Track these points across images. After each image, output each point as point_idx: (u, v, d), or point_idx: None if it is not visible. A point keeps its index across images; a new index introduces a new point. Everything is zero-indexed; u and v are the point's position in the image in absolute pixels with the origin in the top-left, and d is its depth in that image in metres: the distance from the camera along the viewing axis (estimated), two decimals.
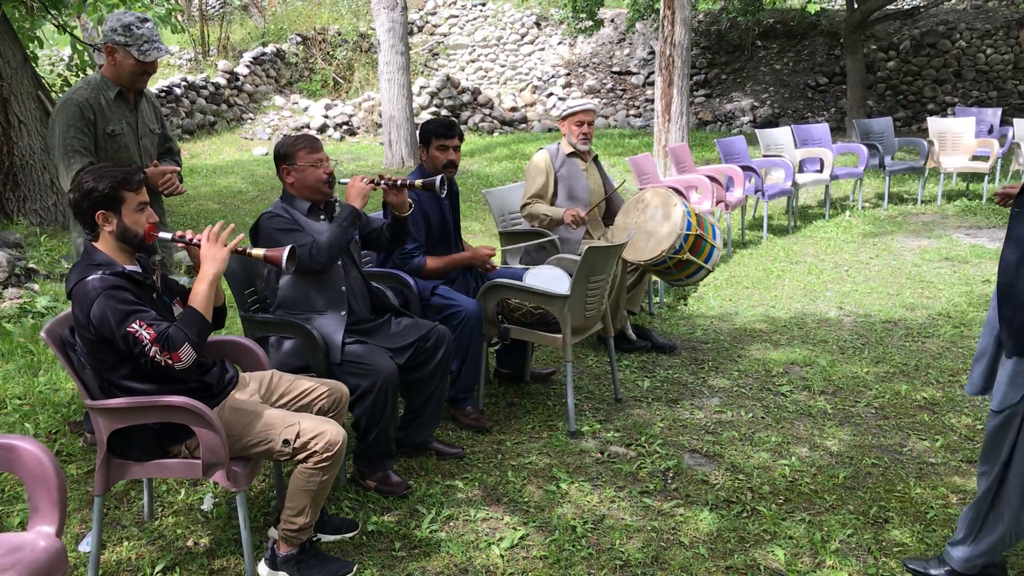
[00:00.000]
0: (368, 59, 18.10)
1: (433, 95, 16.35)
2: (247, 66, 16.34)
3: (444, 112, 16.34)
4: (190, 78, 14.88)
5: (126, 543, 3.20)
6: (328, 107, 15.98)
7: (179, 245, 2.94)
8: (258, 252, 2.95)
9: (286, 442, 2.83)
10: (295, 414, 2.93)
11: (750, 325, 5.98)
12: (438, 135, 4.31)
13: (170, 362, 2.65)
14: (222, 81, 15.47)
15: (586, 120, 5.23)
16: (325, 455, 2.84)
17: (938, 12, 18.29)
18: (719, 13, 18.85)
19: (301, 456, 2.85)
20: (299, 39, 17.95)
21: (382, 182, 3.72)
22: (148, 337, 2.63)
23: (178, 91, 14.47)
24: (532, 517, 3.43)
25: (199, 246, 2.87)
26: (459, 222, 4.56)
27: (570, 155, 5.26)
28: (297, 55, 17.68)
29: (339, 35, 18.39)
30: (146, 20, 3.63)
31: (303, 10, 19.66)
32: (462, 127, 16.28)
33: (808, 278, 7.24)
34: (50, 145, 3.66)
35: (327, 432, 2.86)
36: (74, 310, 2.73)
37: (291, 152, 3.56)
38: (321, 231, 3.54)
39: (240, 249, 2.93)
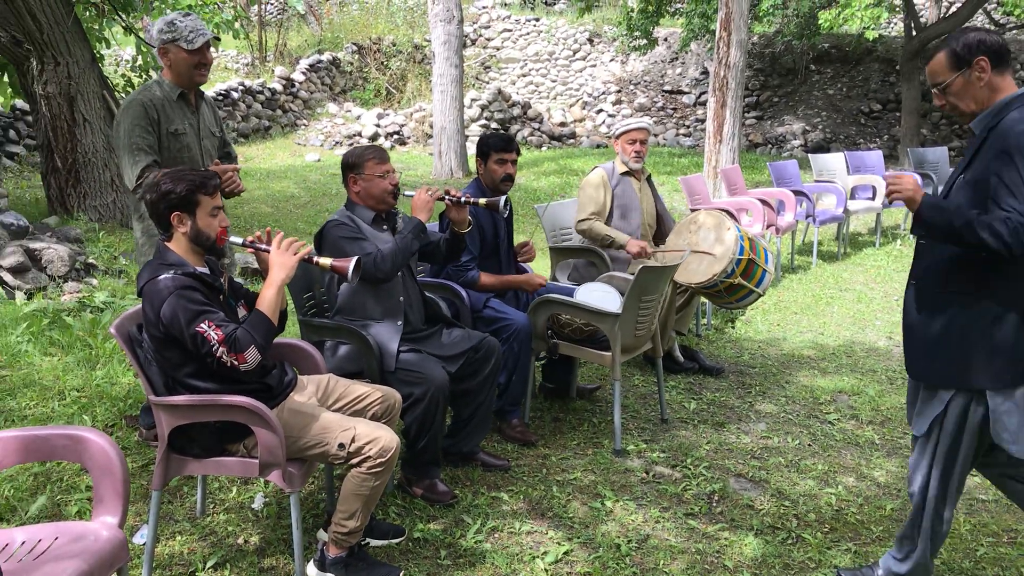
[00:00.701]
0: (421, 70, 18.30)
1: (484, 108, 16.47)
2: (303, 73, 16.60)
3: (494, 125, 16.45)
4: (247, 83, 15.16)
5: (179, 537, 3.28)
6: (380, 116, 16.17)
7: (249, 250, 3.01)
8: (325, 261, 3.02)
9: (341, 446, 2.88)
10: (351, 418, 2.98)
11: (798, 351, 5.94)
12: (497, 149, 4.37)
13: (235, 363, 2.71)
14: (278, 87, 15.74)
15: (639, 139, 5.25)
16: (379, 460, 2.89)
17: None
18: (774, 36, 18.76)
19: (355, 460, 2.89)
20: (354, 48, 18.20)
21: (447, 197, 3.78)
22: (216, 338, 2.70)
23: (235, 95, 14.74)
24: (576, 533, 3.45)
25: (268, 252, 2.95)
26: (512, 237, 4.60)
27: (624, 174, 5.28)
28: (352, 64, 17.92)
29: (393, 45, 18.61)
30: (188, 14, 3.72)
31: (359, 19, 19.93)
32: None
33: (857, 306, 7.17)
34: (115, 144, 3.75)
35: (381, 438, 2.91)
36: (144, 307, 2.81)
37: (360, 162, 3.64)
38: (384, 241, 3.61)
39: (308, 258, 3.00)
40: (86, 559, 2.28)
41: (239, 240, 3.00)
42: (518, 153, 4.46)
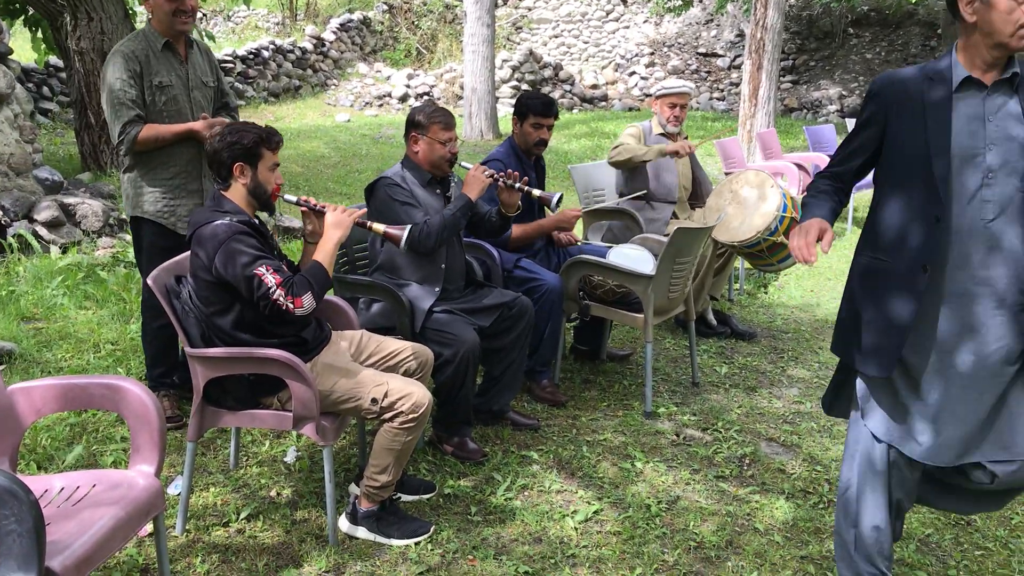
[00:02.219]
0: (452, 30, 18.15)
1: (515, 69, 16.33)
2: (333, 32, 16.53)
3: (524, 87, 16.31)
4: (278, 42, 15.11)
5: (212, 489, 3.31)
6: (410, 77, 16.09)
7: (302, 209, 3.05)
8: (379, 227, 3.07)
9: (374, 400, 2.89)
10: (384, 374, 2.99)
11: (831, 317, 5.87)
12: (536, 112, 4.32)
13: (291, 306, 2.75)
14: (308, 46, 15.69)
15: (680, 103, 5.17)
16: (411, 416, 2.89)
17: None
18: None
19: (388, 415, 2.90)
20: (385, 7, 18.07)
21: (501, 180, 3.75)
22: (274, 281, 2.74)
23: (265, 54, 14.71)
24: (606, 493, 3.44)
25: (323, 214, 2.98)
26: (544, 188, 4.56)
27: (661, 134, 5.21)
28: (383, 23, 17.81)
29: (424, 4, 18.46)
30: None
31: None
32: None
33: None
34: (102, 97, 3.64)
35: (414, 393, 2.91)
36: (196, 251, 2.83)
37: (426, 123, 3.61)
38: (434, 208, 3.60)
39: (362, 222, 3.04)
40: (123, 506, 2.31)
41: (293, 198, 3.06)
42: (556, 117, 4.42)
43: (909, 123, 2.36)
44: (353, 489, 3.26)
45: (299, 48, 15.44)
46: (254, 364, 2.86)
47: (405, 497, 3.28)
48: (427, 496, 3.34)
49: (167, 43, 3.64)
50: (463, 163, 3.82)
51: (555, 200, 3.88)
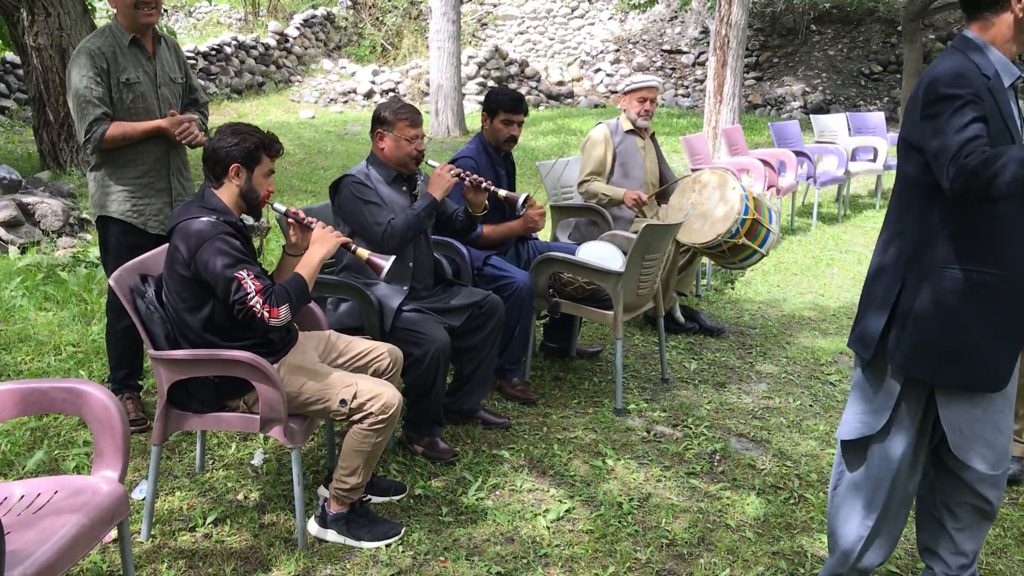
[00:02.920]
0: (417, 26, 18.07)
1: (481, 65, 16.28)
2: (297, 28, 16.38)
3: (491, 83, 16.27)
4: (240, 37, 14.94)
5: (178, 493, 3.25)
6: (375, 73, 15.98)
7: (289, 220, 3.02)
8: (364, 253, 3.09)
9: (343, 402, 2.85)
10: (353, 375, 2.95)
11: (798, 312, 5.92)
12: (506, 108, 4.30)
13: (267, 315, 2.70)
14: (272, 42, 15.53)
15: (649, 97, 5.18)
16: (381, 417, 2.85)
17: None
18: None
19: (357, 417, 2.86)
20: (349, 3, 17.95)
21: (467, 179, 3.72)
22: (254, 287, 2.69)
23: (228, 50, 14.54)
24: (578, 491, 3.43)
25: (310, 228, 2.95)
26: (514, 189, 4.54)
27: (628, 132, 5.21)
28: (347, 19, 17.69)
29: (389, 1, 18.35)
30: None
31: None
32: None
33: (858, 268, 7.13)
34: (68, 96, 3.55)
35: (384, 394, 2.87)
36: (176, 244, 2.78)
37: (392, 120, 3.57)
38: (399, 206, 3.56)
39: (347, 244, 3.05)
40: (86, 513, 2.25)
41: (282, 208, 3.04)
42: (526, 114, 4.39)
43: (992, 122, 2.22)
44: (322, 492, 3.22)
45: (262, 44, 15.27)
46: (219, 366, 2.81)
47: (375, 499, 3.25)
48: (397, 497, 3.30)
49: (134, 39, 3.55)
50: (430, 161, 3.78)
51: (521, 201, 3.87)
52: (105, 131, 3.41)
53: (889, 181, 10.98)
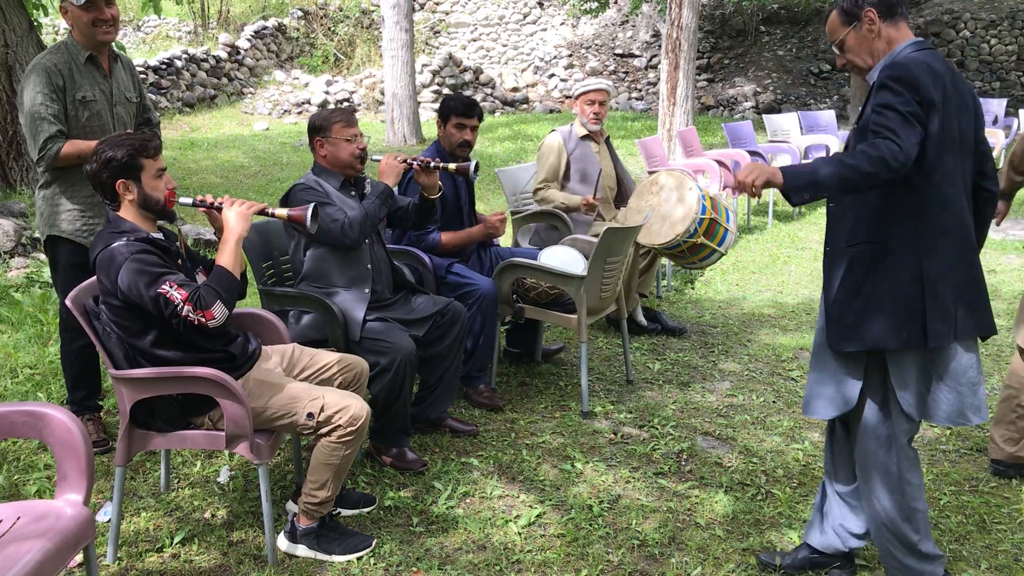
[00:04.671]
0: (369, 35, 18.02)
1: (435, 73, 16.27)
2: (248, 40, 16.24)
3: (446, 91, 16.27)
4: (191, 51, 14.78)
5: (144, 514, 3.20)
6: (329, 83, 15.90)
7: (200, 209, 2.93)
8: (282, 212, 2.97)
9: (310, 415, 2.83)
10: (319, 388, 2.92)
11: (758, 310, 5.99)
12: (458, 113, 4.30)
13: (203, 320, 2.64)
14: (223, 54, 15.38)
15: (598, 99, 5.21)
16: (349, 429, 2.84)
17: (943, 1, 18.25)
18: None
19: (325, 430, 2.84)
20: (300, 13, 17.84)
21: (415, 162, 3.72)
22: (180, 297, 2.62)
23: (179, 63, 14.37)
24: (548, 495, 3.44)
25: (220, 209, 2.87)
26: (474, 200, 4.55)
27: (583, 137, 5.24)
28: (298, 30, 17.57)
29: (340, 10, 18.27)
30: None
31: None
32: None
33: (814, 264, 7.24)
34: (19, 113, 3.48)
35: (351, 406, 2.86)
36: (100, 277, 2.72)
37: (326, 125, 3.55)
38: (351, 206, 3.54)
39: (263, 210, 2.93)
40: (51, 538, 2.21)
41: (189, 200, 2.91)
42: (480, 119, 4.40)
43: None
44: (290, 507, 3.19)
45: (213, 57, 15.12)
46: (182, 383, 2.77)
47: (344, 512, 3.22)
48: (367, 509, 3.28)
49: (91, 56, 3.50)
50: (374, 156, 3.77)
51: (472, 168, 3.87)
52: (60, 148, 3.35)
53: None
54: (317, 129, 3.60)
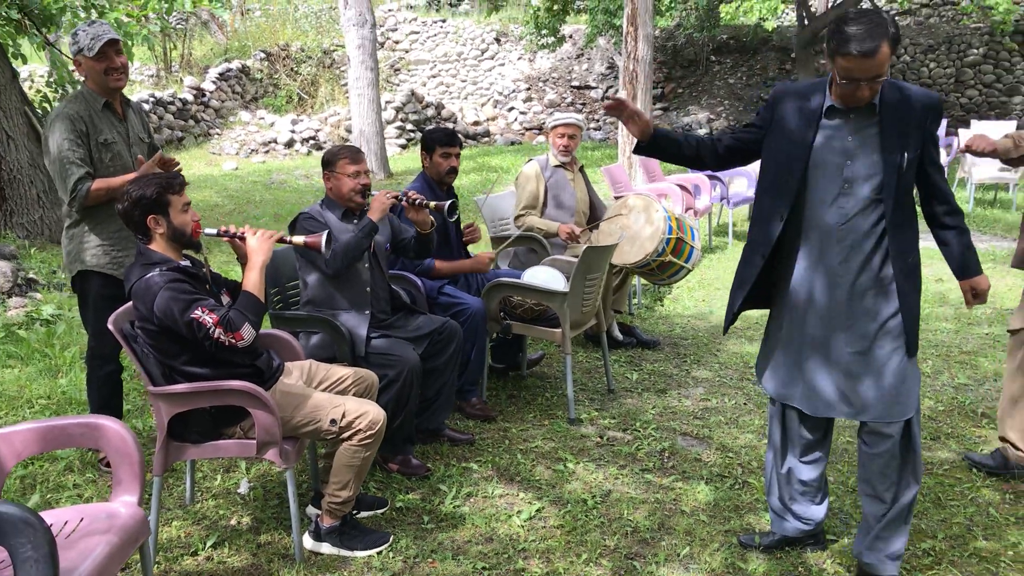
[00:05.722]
0: (332, 74, 18.36)
1: (398, 110, 16.64)
2: (213, 82, 16.49)
3: (409, 127, 16.64)
4: (158, 94, 14.99)
5: (174, 523, 3.45)
6: (294, 122, 16.18)
7: (224, 239, 3.22)
8: (298, 239, 3.28)
9: (333, 421, 3.11)
10: (339, 396, 3.21)
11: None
12: (442, 143, 4.64)
13: (233, 341, 2.92)
14: (189, 97, 15.61)
15: (568, 133, 5.58)
16: (368, 432, 3.13)
17: None
18: (675, 29, 19.43)
19: (347, 435, 3.12)
20: (263, 55, 18.13)
21: (404, 200, 4.03)
22: (211, 321, 2.90)
23: (146, 107, 14.57)
24: (545, 493, 3.74)
25: (244, 239, 3.17)
26: (460, 226, 4.87)
27: (557, 166, 5.60)
28: (262, 71, 17.86)
29: (303, 51, 18.60)
30: (93, 21, 3.74)
31: (265, 27, 19.85)
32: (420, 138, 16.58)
33: None
34: (46, 160, 3.74)
35: (370, 412, 3.15)
36: (136, 306, 2.99)
37: (333, 160, 3.88)
38: (347, 235, 3.85)
39: (282, 239, 3.24)
40: (116, 533, 2.47)
41: (213, 231, 3.21)
42: (461, 147, 4.75)
43: None
44: (311, 510, 3.46)
45: (179, 99, 15.35)
46: (217, 396, 3.04)
47: (361, 513, 3.50)
48: (381, 511, 3.56)
49: (106, 103, 3.77)
50: (373, 192, 4.08)
51: (447, 206, 4.20)
52: (90, 188, 3.62)
53: None
54: (326, 164, 3.93)
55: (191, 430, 3.12)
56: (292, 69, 18.28)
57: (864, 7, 17.99)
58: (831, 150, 2.79)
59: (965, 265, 2.96)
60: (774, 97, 2.94)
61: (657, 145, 3.05)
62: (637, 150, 3.11)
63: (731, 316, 3.15)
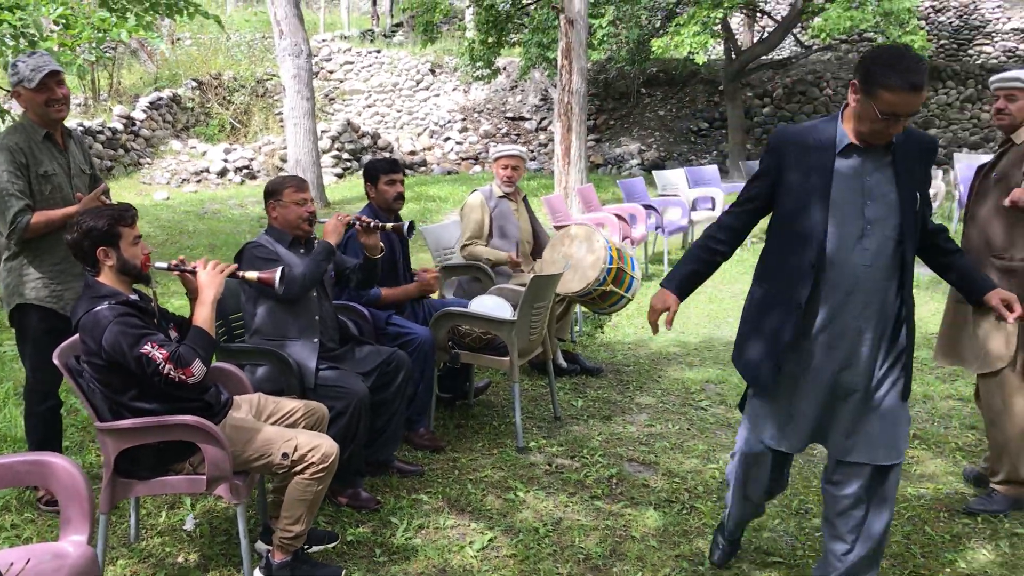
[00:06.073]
0: (265, 104, 18.22)
1: (334, 139, 16.58)
2: (144, 111, 16.22)
3: (346, 156, 16.59)
4: (87, 123, 14.68)
5: (120, 562, 3.36)
6: (227, 151, 15.99)
7: (174, 273, 3.18)
8: (252, 275, 3.25)
9: (285, 455, 3.08)
10: (290, 430, 3.19)
11: (664, 349, 6.47)
12: (386, 171, 4.67)
13: (183, 377, 2.88)
14: (119, 126, 15.32)
15: (511, 164, 5.67)
16: (321, 466, 3.10)
17: (807, 63, 19.72)
18: (606, 62, 19.79)
19: (299, 468, 3.09)
20: (195, 84, 17.91)
21: (357, 223, 4.04)
22: (162, 356, 2.86)
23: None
24: (496, 522, 3.75)
25: (195, 274, 3.13)
26: (408, 256, 4.88)
27: (501, 196, 5.66)
28: (193, 100, 17.63)
29: (235, 80, 18.43)
30: (33, 52, 3.68)
31: (197, 56, 19.61)
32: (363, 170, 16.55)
33: (710, 306, 7.82)
34: None
35: (322, 445, 3.13)
36: (83, 339, 2.93)
37: (279, 189, 3.86)
38: (296, 263, 3.82)
39: (234, 273, 3.21)
40: (66, 573, 2.41)
41: (164, 265, 3.17)
42: (404, 173, 4.78)
43: None
44: (260, 546, 3.41)
45: (109, 128, 15.04)
46: (166, 431, 2.99)
47: (312, 548, 3.45)
48: (332, 545, 3.52)
49: (47, 134, 3.70)
50: (322, 219, 4.08)
51: (407, 227, 4.23)
52: (29, 221, 3.54)
53: None
54: (271, 193, 3.90)
55: (139, 466, 3.06)
56: (224, 98, 18.10)
57: (798, 46, 18.61)
58: (851, 190, 2.68)
59: (984, 278, 2.93)
60: (776, 144, 2.83)
61: (692, 288, 3.04)
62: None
63: (772, 373, 2.88)
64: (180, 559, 3.41)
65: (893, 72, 2.47)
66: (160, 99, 16.88)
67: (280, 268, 3.26)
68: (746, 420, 3.08)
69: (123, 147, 15.25)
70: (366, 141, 17.15)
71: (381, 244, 4.19)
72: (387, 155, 17.33)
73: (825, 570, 3.04)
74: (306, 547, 3.37)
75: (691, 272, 3.02)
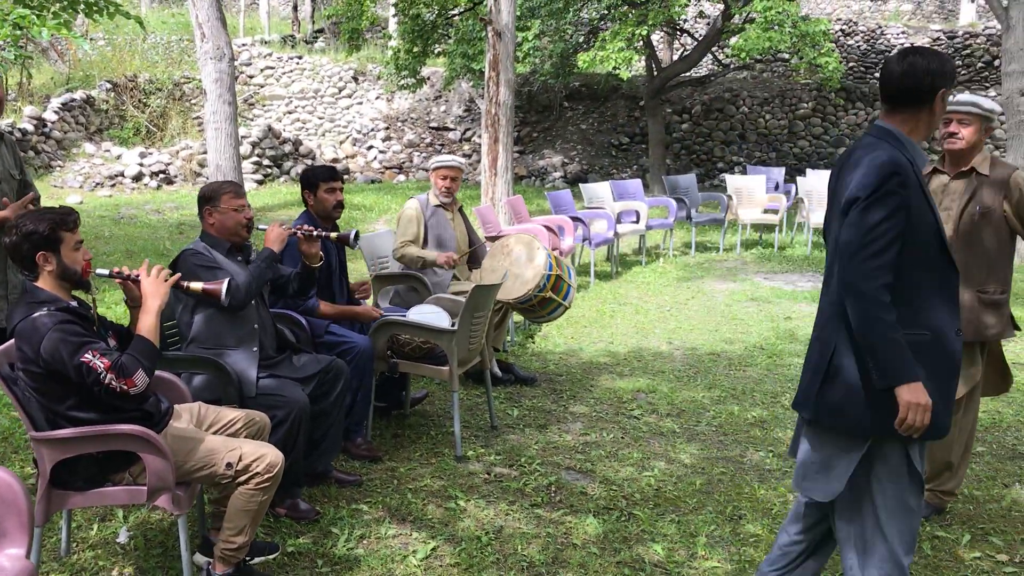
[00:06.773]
0: (183, 107, 17.81)
1: (255, 145, 16.31)
2: (55, 112, 15.66)
3: (266, 162, 16.34)
4: None
5: None
6: (143, 155, 15.56)
7: (116, 280, 3.10)
8: (197, 286, 3.18)
9: (229, 465, 3.02)
10: (234, 439, 3.13)
11: (595, 359, 6.56)
12: (325, 179, 4.63)
13: (125, 388, 2.80)
14: (29, 127, 14.77)
15: (450, 175, 5.69)
16: (266, 476, 3.06)
17: (724, 81, 20.23)
18: (531, 75, 19.94)
19: (243, 478, 3.04)
20: (109, 85, 17.39)
21: (299, 231, 3.99)
22: (103, 365, 2.78)
23: None
24: (438, 531, 3.75)
25: (138, 282, 3.06)
26: (345, 266, 4.85)
27: (438, 205, 5.67)
28: (108, 102, 17.12)
29: (152, 83, 17.96)
30: None
31: (111, 57, 19.05)
32: (283, 178, 16.34)
33: (637, 317, 7.96)
34: None
35: (267, 455, 3.08)
36: (20, 346, 2.83)
37: (216, 195, 3.78)
38: (237, 271, 3.75)
39: (179, 284, 3.14)
40: None
41: (105, 271, 3.08)
42: (342, 181, 4.75)
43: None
44: (199, 559, 3.33)
45: (19, 130, 14.49)
46: (106, 441, 2.91)
47: (253, 560, 3.39)
48: (272, 556, 3.46)
49: None
50: (259, 226, 4.02)
51: (352, 236, 4.20)
52: None
53: (651, 240, 12.19)
54: (207, 199, 3.82)
55: (76, 477, 2.97)
56: (140, 101, 17.62)
57: (716, 64, 19.08)
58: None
59: None
60: (901, 178, 2.49)
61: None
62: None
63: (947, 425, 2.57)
64: (115, 573, 3.31)
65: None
66: (73, 100, 16.33)
67: (228, 280, 3.21)
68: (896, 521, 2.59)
69: (34, 149, 14.70)
70: (287, 147, 16.92)
71: (320, 254, 4.16)
72: (309, 162, 17.13)
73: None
74: (247, 559, 3.31)
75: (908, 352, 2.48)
